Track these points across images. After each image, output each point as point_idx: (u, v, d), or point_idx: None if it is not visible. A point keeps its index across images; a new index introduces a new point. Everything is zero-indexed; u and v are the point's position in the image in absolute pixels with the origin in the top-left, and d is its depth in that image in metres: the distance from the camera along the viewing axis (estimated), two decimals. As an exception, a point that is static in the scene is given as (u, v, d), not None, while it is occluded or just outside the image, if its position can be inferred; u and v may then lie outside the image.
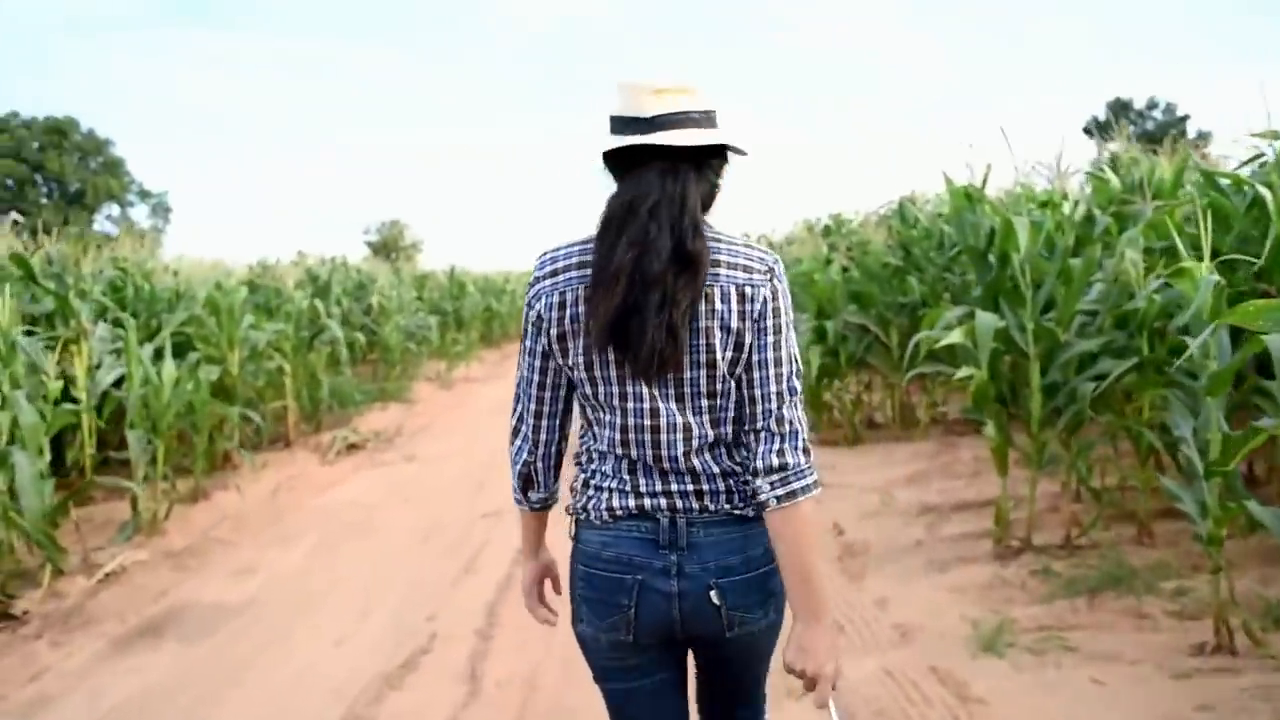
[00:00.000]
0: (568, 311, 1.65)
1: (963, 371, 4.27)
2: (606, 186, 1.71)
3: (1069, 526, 4.76)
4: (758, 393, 1.65)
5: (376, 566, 5.43)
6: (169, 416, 6.19)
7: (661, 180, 1.61)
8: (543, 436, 1.79)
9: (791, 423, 1.65)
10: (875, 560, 4.97)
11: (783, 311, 1.67)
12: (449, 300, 16.55)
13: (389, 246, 49.35)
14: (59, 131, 46.45)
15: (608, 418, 1.70)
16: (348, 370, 10.13)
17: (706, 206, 1.69)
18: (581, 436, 1.81)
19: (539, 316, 1.69)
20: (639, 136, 1.61)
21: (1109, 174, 6.34)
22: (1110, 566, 4.36)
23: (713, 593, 1.67)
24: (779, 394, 1.65)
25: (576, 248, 1.68)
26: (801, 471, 1.63)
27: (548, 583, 2.00)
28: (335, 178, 78.04)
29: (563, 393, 1.77)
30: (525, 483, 1.83)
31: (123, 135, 69.70)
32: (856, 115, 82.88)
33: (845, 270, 8.06)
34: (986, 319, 4.20)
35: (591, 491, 1.75)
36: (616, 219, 1.62)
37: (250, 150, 78.64)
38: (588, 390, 1.70)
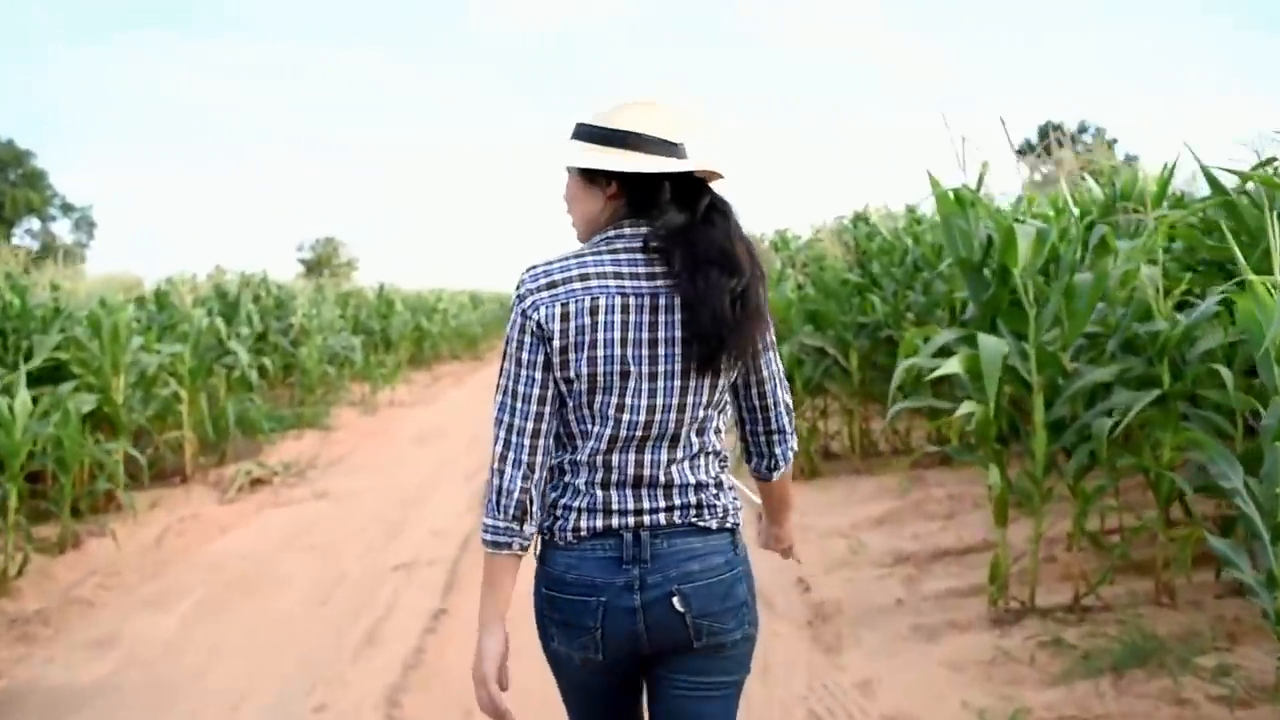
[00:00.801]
0: (572, 324, 1.63)
1: (965, 408, 3.54)
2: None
3: (1075, 583, 4.05)
4: (769, 400, 1.80)
5: (264, 635, 4.54)
6: (23, 455, 5.24)
7: (727, 207, 1.72)
8: (539, 458, 1.68)
9: (792, 420, 1.85)
10: (851, 625, 4.21)
11: (774, 325, 1.79)
12: (376, 319, 15.55)
13: (322, 264, 48.00)
14: (-25, 142, 44.37)
15: (595, 428, 1.68)
16: (256, 397, 9.14)
17: None
18: (559, 448, 1.74)
19: (539, 326, 1.65)
20: (674, 160, 1.66)
21: (1090, 182, 5.75)
22: (1132, 635, 3.65)
23: (675, 599, 1.67)
24: (783, 398, 1.82)
25: (572, 261, 1.67)
26: (795, 451, 1.88)
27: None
28: (286, 190, 75.44)
29: (556, 406, 1.70)
30: (522, 514, 1.67)
31: (70, 150, 66.99)
32: (842, 116, 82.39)
33: (800, 288, 7.35)
34: (991, 344, 3.47)
35: (560, 511, 1.71)
36: (689, 248, 1.65)
37: (200, 163, 75.87)
38: (584, 400, 1.67)
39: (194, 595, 5.19)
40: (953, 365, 3.42)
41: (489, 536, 1.66)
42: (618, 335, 1.63)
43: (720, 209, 1.69)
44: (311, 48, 77.27)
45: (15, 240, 44.62)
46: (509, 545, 1.66)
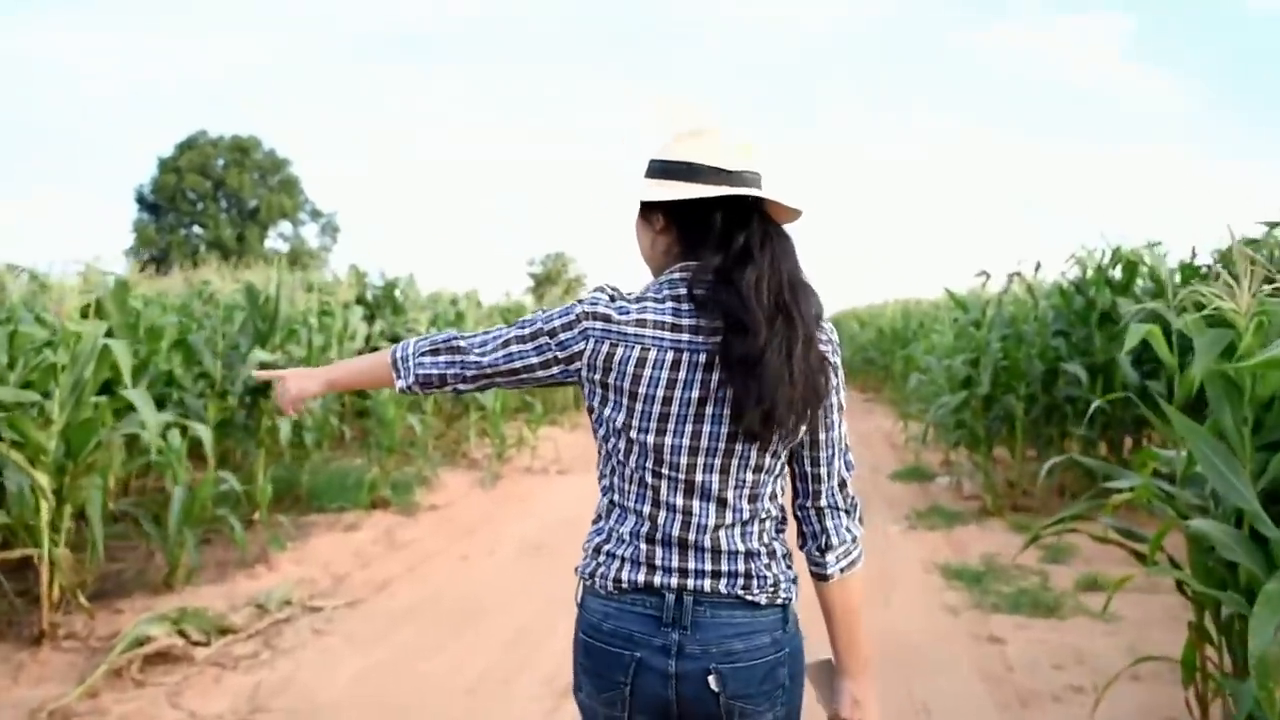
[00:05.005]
0: (615, 368, 1.49)
1: None
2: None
3: None
4: (823, 470, 1.59)
5: None
6: None
7: (770, 249, 1.50)
8: (464, 380, 1.64)
9: (853, 498, 1.63)
10: None
11: (841, 387, 1.59)
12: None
13: (551, 279, 45.80)
14: (242, 149, 45.19)
15: (635, 478, 1.54)
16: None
17: None
18: (604, 490, 1.60)
19: (580, 353, 1.51)
20: (709, 187, 1.50)
21: None
22: None
23: (711, 678, 1.51)
24: (840, 470, 1.60)
25: (634, 305, 1.51)
26: (859, 542, 1.62)
27: None
28: (527, 210, 73.95)
29: (516, 386, 1.63)
30: (424, 382, 1.65)
31: (319, 157, 68.52)
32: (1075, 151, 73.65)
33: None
34: None
35: (603, 558, 1.57)
36: (718, 303, 1.46)
37: (435, 177, 75.85)
38: (621, 445, 1.53)
39: None
40: None
41: (399, 354, 1.66)
42: (660, 393, 1.48)
43: (747, 255, 1.48)
44: (549, 71, 75.47)
45: (269, 243, 45.30)
46: (398, 366, 1.64)
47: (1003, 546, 6.08)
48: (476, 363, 1.58)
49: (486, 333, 1.61)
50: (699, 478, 1.50)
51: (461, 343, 1.60)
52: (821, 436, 1.56)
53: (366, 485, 6.61)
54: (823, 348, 1.52)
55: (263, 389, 6.53)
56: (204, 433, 4.73)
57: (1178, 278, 6.10)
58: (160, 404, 5.96)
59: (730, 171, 1.50)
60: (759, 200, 1.52)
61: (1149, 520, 4.15)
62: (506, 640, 4.41)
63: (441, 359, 1.60)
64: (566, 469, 9.09)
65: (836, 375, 1.56)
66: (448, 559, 5.86)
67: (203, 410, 6.20)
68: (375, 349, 9.86)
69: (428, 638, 4.45)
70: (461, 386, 1.62)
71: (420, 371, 1.62)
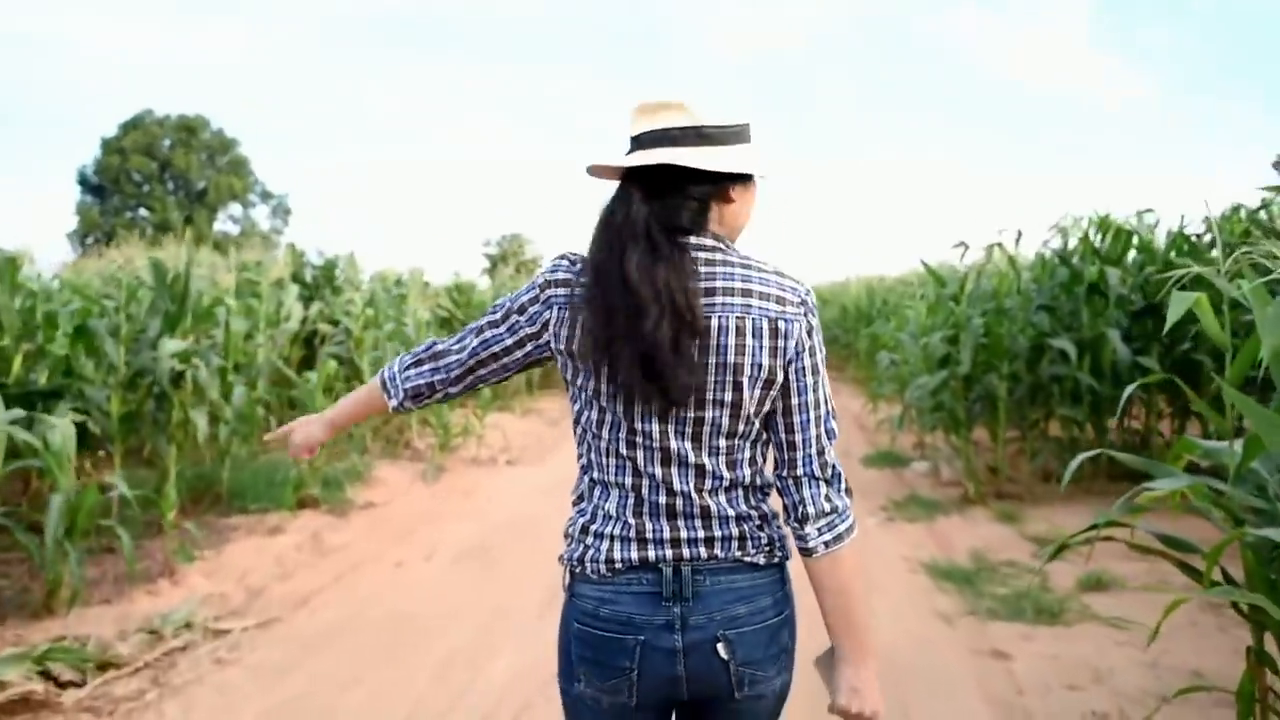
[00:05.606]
0: (578, 331, 1.46)
1: None
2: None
3: None
4: (797, 437, 1.50)
5: None
6: None
7: (629, 205, 1.45)
8: (451, 383, 1.61)
9: (834, 466, 1.52)
10: None
11: (817, 349, 1.51)
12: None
13: (507, 260, 44.91)
14: (189, 129, 43.69)
15: (616, 454, 1.48)
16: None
17: (728, 227, 1.52)
18: (584, 469, 1.54)
19: (546, 325, 1.49)
20: (615, 160, 1.51)
21: None
22: None
23: (720, 645, 1.46)
24: (818, 437, 1.51)
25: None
26: (845, 514, 1.51)
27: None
28: (489, 201, 71.78)
29: (495, 366, 1.59)
30: (414, 394, 1.64)
31: (271, 137, 66.14)
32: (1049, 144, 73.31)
33: None
34: None
35: (590, 539, 1.50)
36: (599, 252, 1.45)
37: (395, 166, 73.69)
38: (594, 416, 1.49)
39: None
40: None
41: (386, 374, 1.64)
42: None
43: (602, 222, 1.48)
44: (534, 71, 73.64)
45: (218, 225, 43.87)
46: (387, 386, 1.62)
47: (991, 540, 5.57)
48: (458, 359, 1.55)
49: (464, 331, 1.59)
50: (672, 445, 1.45)
51: (440, 346, 1.59)
52: (793, 401, 1.48)
53: (292, 483, 5.94)
54: (791, 310, 1.45)
55: (176, 378, 5.86)
56: (62, 426, 4.00)
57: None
58: (58, 395, 5.31)
59: (633, 138, 1.49)
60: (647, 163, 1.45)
61: (1180, 517, 3.62)
62: (440, 666, 3.80)
63: (426, 368, 1.59)
64: (516, 459, 8.44)
65: (810, 337, 1.49)
66: (380, 567, 5.21)
67: (105, 402, 5.52)
68: (313, 332, 9.21)
69: (348, 666, 3.82)
70: (452, 390, 1.59)
71: (408, 385, 1.60)
